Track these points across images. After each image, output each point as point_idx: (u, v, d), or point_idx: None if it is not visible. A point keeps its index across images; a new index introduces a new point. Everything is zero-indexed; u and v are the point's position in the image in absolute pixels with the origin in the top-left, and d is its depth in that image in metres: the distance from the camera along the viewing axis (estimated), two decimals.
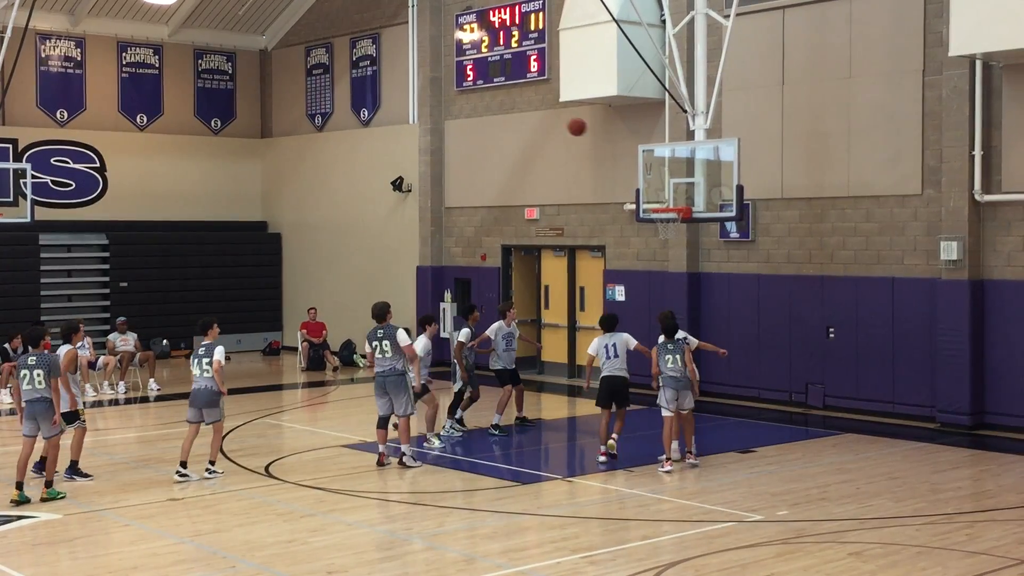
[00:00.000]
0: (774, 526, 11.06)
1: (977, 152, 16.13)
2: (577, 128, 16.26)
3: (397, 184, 24.90)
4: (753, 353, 18.90)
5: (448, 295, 23.86)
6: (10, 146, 25.23)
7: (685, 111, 16.85)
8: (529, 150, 22.64)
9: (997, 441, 15.55)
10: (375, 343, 13.87)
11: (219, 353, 13.46)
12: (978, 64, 16.01)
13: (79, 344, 13.86)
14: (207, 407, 13.46)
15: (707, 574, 9.51)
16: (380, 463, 13.86)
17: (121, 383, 20.80)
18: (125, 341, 21.37)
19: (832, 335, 17.95)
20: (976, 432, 16.08)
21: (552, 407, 19.81)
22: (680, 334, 14.00)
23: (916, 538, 10.57)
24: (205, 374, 13.44)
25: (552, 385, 21.60)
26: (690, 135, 17.31)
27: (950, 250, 16.24)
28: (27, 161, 23.63)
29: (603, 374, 14.39)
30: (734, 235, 19.16)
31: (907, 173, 17.08)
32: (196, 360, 13.53)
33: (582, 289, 22.09)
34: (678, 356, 13.82)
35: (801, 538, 10.60)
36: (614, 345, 14.32)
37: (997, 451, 14.96)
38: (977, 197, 16.18)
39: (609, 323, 14.60)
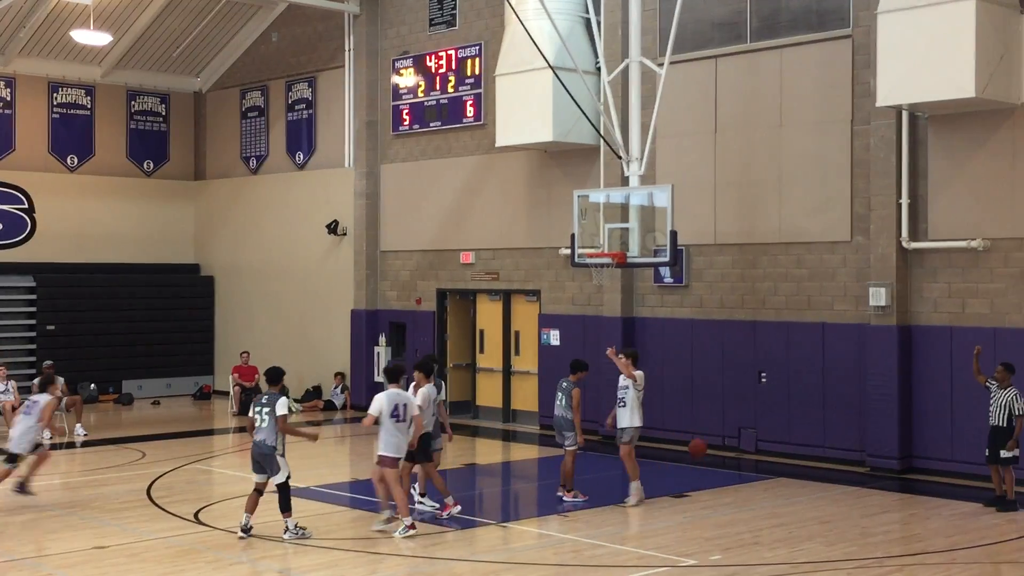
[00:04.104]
0: (707, 571, 11.06)
1: (904, 200, 16.45)
2: (697, 450, 16.09)
3: (332, 227, 24.81)
4: (687, 397, 19.00)
5: (383, 339, 23.78)
6: None
7: (620, 157, 17.00)
8: (465, 194, 22.69)
9: (925, 485, 15.74)
10: (258, 408, 12.69)
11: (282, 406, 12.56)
12: (904, 115, 16.36)
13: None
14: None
15: None
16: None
17: (46, 429, 20.29)
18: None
19: (764, 379, 18.11)
20: (905, 476, 16.27)
21: (487, 452, 19.72)
22: (625, 380, 14.40)
23: None
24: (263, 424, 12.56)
25: (487, 429, 21.52)
26: (624, 181, 17.46)
27: (879, 296, 16.50)
28: None
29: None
30: (668, 280, 19.31)
31: (837, 220, 17.36)
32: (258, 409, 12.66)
33: (517, 333, 22.09)
34: (564, 397, 14.61)
35: None
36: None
37: (925, 495, 15.14)
38: (904, 244, 16.48)
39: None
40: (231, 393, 24.40)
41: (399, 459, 12.79)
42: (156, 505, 14.30)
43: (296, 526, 12.45)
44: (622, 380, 14.48)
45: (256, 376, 24.21)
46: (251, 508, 12.40)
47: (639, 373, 14.52)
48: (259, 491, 12.44)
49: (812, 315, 17.62)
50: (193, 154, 28.75)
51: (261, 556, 11.80)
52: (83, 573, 11.07)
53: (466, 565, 11.52)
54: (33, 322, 25.63)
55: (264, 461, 12.41)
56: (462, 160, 22.68)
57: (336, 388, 24.55)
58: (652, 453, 18.50)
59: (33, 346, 25.41)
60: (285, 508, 12.45)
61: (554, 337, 20.91)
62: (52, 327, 25.56)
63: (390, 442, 12.69)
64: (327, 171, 25.32)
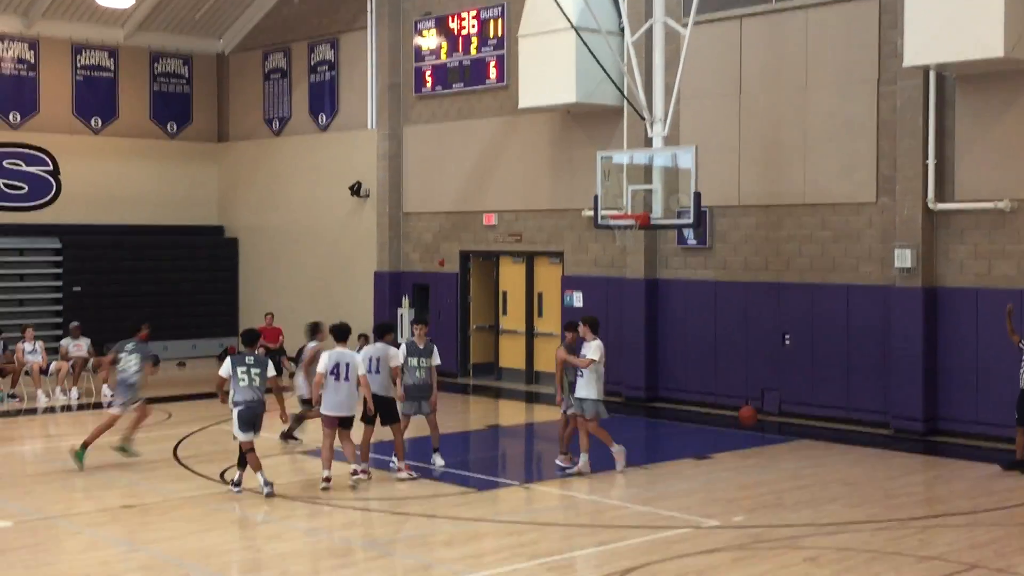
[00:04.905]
0: (730, 532, 11.10)
1: (931, 161, 16.32)
2: (748, 418, 15.62)
3: (355, 189, 24.82)
4: (710, 359, 18.99)
5: (406, 301, 23.83)
6: None
7: (643, 118, 16.93)
8: (487, 156, 22.65)
9: (949, 447, 15.72)
10: (244, 369, 12.70)
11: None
12: (932, 75, 16.19)
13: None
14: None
15: None
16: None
17: (74, 389, 20.54)
18: (78, 346, 21.12)
19: (788, 341, 18.07)
20: (929, 438, 16.24)
21: (510, 413, 19.80)
22: (586, 349, 13.68)
23: (870, 543, 10.65)
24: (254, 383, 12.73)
25: (510, 391, 21.59)
26: (648, 142, 17.40)
27: (904, 258, 16.42)
28: None
29: None
30: (691, 242, 19.26)
31: (862, 181, 17.25)
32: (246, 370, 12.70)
33: (540, 295, 22.10)
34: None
35: (757, 544, 10.65)
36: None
37: (949, 457, 15.13)
38: (930, 205, 16.36)
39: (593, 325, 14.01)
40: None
41: (337, 417, 12.97)
42: (182, 465, 14.44)
43: (240, 480, 12.78)
44: (583, 349, 13.74)
45: (280, 338, 24.34)
46: (258, 466, 12.67)
47: (596, 343, 13.63)
48: (253, 449, 12.73)
49: (837, 277, 17.55)
50: (216, 116, 28.78)
51: (287, 515, 11.91)
52: (112, 531, 11.21)
53: (490, 525, 11.60)
54: (59, 283, 25.82)
55: (258, 420, 12.70)
56: (485, 122, 22.61)
57: (359, 350, 24.63)
58: (675, 414, 18.55)
59: (60, 307, 25.60)
60: (244, 464, 12.82)
61: (577, 299, 20.90)
62: (78, 288, 25.75)
63: (328, 400, 13.00)
64: (350, 133, 25.31)
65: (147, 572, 9.86)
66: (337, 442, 13.08)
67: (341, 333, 13.28)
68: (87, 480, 13.68)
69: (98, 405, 20.15)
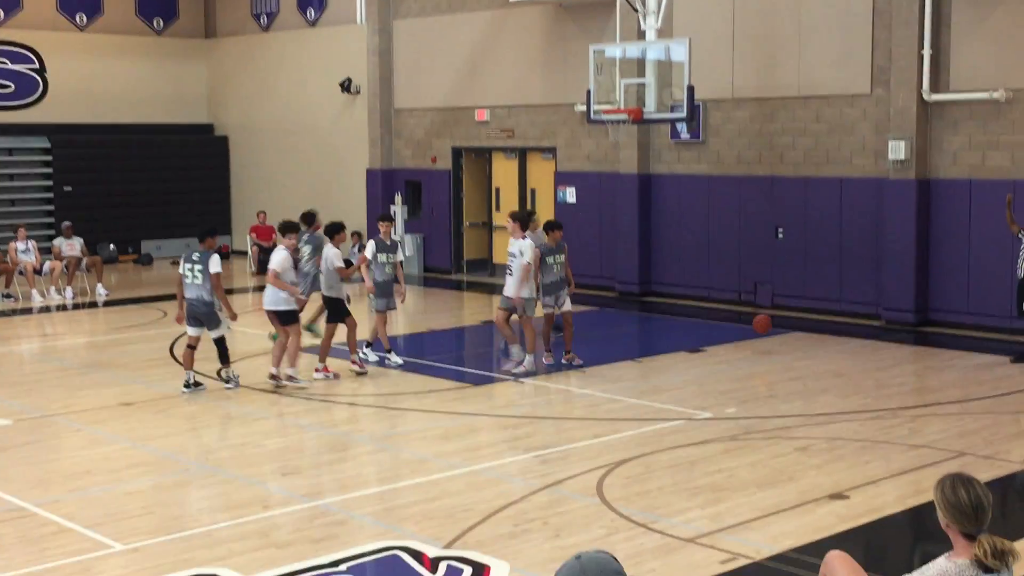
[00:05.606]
0: (723, 423, 11.25)
1: (926, 51, 16.14)
2: (762, 326, 15.47)
3: (345, 85, 24.55)
4: (703, 253, 19.03)
5: (398, 198, 23.75)
6: None
7: (636, 10, 16.69)
8: (479, 51, 22.36)
9: (940, 338, 15.85)
10: (188, 265, 12.66)
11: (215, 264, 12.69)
12: None
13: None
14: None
15: (657, 470, 9.68)
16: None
17: (68, 288, 20.57)
18: (71, 246, 21.09)
19: (781, 235, 18.09)
20: (920, 329, 16.37)
21: None
22: (514, 247, 13.48)
23: (860, 433, 10.81)
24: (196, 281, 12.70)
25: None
26: (641, 35, 17.18)
27: (898, 149, 16.34)
28: None
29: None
30: (685, 136, 19.14)
31: (857, 72, 17.09)
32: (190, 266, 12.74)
33: (533, 191, 22.03)
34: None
35: (749, 435, 10.80)
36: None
37: (940, 347, 15.26)
38: (925, 96, 16.23)
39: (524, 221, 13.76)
40: (249, 253, 24.56)
41: (271, 312, 13.16)
42: (179, 363, 14.51)
43: (233, 374, 13.01)
44: (511, 246, 13.63)
45: (274, 236, 24.30)
46: (190, 364, 12.84)
47: (527, 242, 13.33)
48: (193, 347, 12.83)
49: (830, 170, 17.49)
50: (203, 11, 28.30)
51: (283, 412, 12.04)
52: (112, 428, 11.32)
53: (486, 419, 11.73)
54: (50, 183, 25.67)
55: (204, 317, 12.71)
56: (476, 15, 22.28)
57: (354, 248, 24.61)
58: (669, 308, 18.65)
59: (51, 207, 25.50)
60: (225, 360, 12.96)
61: (570, 194, 20.84)
62: (69, 188, 25.61)
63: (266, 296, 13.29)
64: (339, 28, 24.94)
65: (148, 468, 9.99)
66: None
67: (283, 230, 13.50)
68: (85, 379, 13.78)
69: (93, 304, 20.21)
